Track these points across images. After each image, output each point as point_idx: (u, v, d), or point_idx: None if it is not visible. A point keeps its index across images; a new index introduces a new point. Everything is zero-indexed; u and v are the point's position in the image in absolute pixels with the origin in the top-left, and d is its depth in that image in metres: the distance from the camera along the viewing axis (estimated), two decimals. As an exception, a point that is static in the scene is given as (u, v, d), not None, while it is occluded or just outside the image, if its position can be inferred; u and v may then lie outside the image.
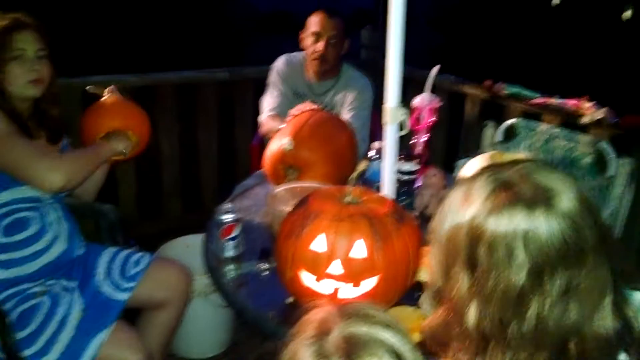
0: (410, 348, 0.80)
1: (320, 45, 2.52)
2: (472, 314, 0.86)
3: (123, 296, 1.76)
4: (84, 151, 1.81)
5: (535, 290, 0.81)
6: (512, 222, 0.81)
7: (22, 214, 1.67)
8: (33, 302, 1.65)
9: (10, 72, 1.66)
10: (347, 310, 0.83)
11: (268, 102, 2.64)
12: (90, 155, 1.79)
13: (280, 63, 2.71)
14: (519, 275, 0.81)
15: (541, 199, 0.82)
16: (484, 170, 0.91)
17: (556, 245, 0.80)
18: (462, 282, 0.87)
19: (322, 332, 0.80)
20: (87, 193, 1.98)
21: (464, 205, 0.88)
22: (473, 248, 0.85)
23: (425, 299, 1.19)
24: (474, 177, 0.90)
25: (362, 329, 0.79)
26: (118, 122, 1.89)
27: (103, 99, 1.94)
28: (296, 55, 2.72)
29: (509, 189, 0.84)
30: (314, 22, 2.55)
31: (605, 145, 2.24)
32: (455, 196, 0.91)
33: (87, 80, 2.86)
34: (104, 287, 1.77)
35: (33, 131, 1.72)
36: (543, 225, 0.80)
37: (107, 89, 1.97)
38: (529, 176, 0.85)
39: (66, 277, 1.76)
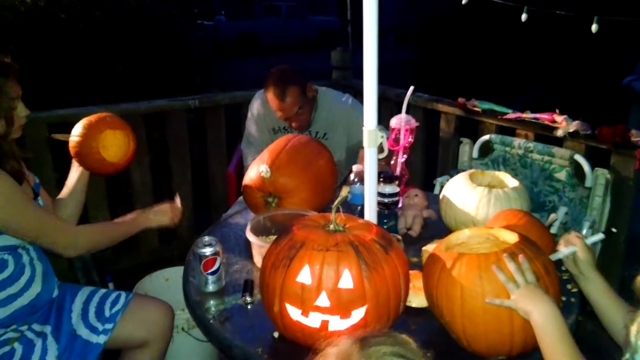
0: None
1: (290, 124, 2.49)
2: None
3: (100, 339, 1.68)
4: (118, 225, 1.84)
5: None
6: None
7: None
8: (6, 349, 1.56)
9: (16, 118, 1.61)
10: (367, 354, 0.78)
11: (249, 146, 2.62)
12: (123, 229, 1.84)
13: (255, 106, 2.66)
14: None
15: None
16: None
17: None
18: None
19: None
20: None
21: None
22: None
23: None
24: None
25: None
26: (111, 126, 1.84)
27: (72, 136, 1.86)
28: None
29: None
30: (272, 105, 2.47)
31: (580, 157, 2.26)
32: None
33: (53, 113, 2.79)
34: (80, 330, 1.69)
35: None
36: None
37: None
38: None
39: (40, 321, 1.67)
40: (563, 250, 1.37)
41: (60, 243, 1.65)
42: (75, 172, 1.91)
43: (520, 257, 1.24)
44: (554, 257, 1.37)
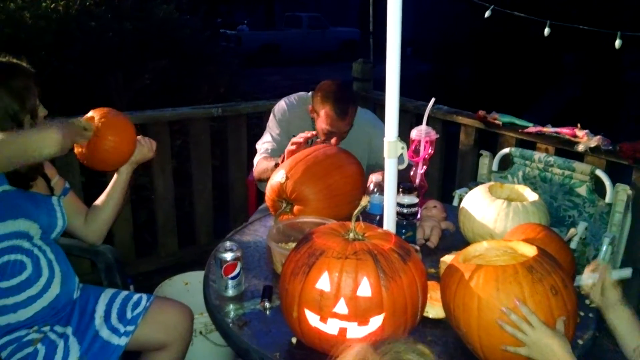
0: None
1: (334, 141, 2.39)
2: None
3: (121, 341, 1.71)
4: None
5: None
6: None
7: (14, 257, 1.64)
8: (29, 349, 1.60)
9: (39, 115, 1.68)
10: (385, 358, 0.79)
11: (264, 145, 2.55)
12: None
13: (280, 110, 2.60)
14: None
15: None
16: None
17: None
18: None
19: None
20: (97, 233, 1.96)
21: None
22: None
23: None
24: None
25: None
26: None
27: None
28: (297, 100, 2.63)
29: None
30: (327, 121, 2.37)
31: (601, 172, 2.25)
32: None
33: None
34: (102, 332, 1.72)
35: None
36: None
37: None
38: None
39: (61, 323, 1.71)
40: (585, 277, 1.36)
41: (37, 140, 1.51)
42: (114, 178, 1.97)
43: (517, 302, 1.23)
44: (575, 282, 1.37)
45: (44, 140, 1.51)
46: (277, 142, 2.54)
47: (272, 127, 2.59)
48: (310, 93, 2.60)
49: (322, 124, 2.40)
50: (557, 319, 1.25)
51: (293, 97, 2.65)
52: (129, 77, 3.79)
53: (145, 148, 1.95)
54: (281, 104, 2.63)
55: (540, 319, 1.22)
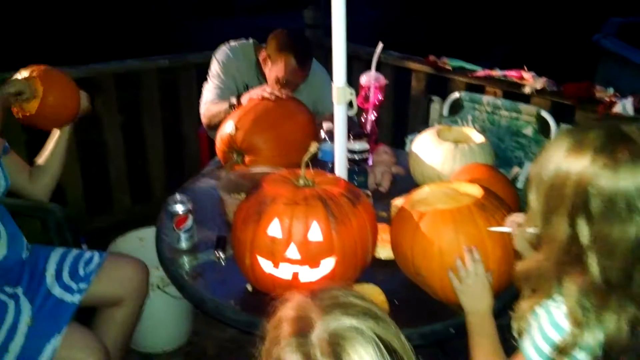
0: (393, 332, 0.78)
1: (285, 92, 2.20)
2: (594, 264, 0.88)
3: (75, 298, 1.69)
4: None
5: None
6: (636, 180, 0.84)
7: None
8: (-22, 312, 1.57)
9: None
10: (324, 303, 0.79)
11: (208, 96, 2.43)
12: None
13: (222, 55, 2.47)
14: None
15: None
16: (597, 122, 0.92)
17: None
18: (574, 230, 0.89)
19: (303, 330, 0.76)
20: (44, 189, 1.90)
21: (574, 154, 0.89)
22: (584, 199, 0.87)
23: (519, 241, 1.23)
24: (586, 127, 0.91)
25: (343, 323, 0.75)
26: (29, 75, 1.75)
27: None
28: (240, 47, 2.51)
29: (628, 144, 0.85)
30: (287, 70, 2.29)
31: (546, 113, 2.31)
32: (563, 143, 0.91)
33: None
34: (54, 290, 1.70)
35: None
36: None
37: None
38: None
39: (11, 284, 1.68)
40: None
41: None
42: (54, 135, 1.90)
43: (474, 249, 1.26)
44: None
45: None
46: (225, 89, 2.43)
47: (217, 74, 2.47)
48: (251, 41, 2.53)
49: (279, 72, 2.31)
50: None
51: (234, 43, 2.53)
52: (73, 29, 3.61)
53: (83, 100, 1.89)
54: (224, 50, 2.51)
55: (485, 272, 1.25)
